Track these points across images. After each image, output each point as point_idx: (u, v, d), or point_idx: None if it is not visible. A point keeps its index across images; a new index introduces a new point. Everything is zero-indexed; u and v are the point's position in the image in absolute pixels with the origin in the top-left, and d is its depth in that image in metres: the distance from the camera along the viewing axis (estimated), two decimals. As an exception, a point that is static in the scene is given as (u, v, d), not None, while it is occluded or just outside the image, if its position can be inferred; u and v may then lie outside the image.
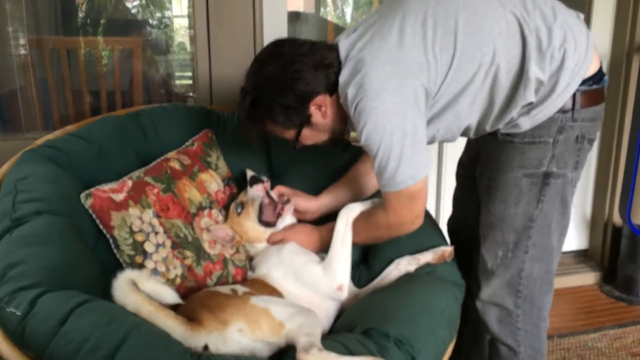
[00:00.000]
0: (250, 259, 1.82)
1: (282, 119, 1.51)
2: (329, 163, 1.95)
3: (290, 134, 1.57)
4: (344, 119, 1.57)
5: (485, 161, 1.68)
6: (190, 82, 2.71)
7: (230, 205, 1.83)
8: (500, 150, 1.60)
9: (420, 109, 1.42)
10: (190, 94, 2.64)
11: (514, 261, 1.65)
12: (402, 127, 1.39)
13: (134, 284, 1.31)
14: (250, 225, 1.73)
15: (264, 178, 1.77)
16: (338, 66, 1.49)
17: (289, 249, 1.70)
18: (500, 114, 1.51)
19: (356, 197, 1.77)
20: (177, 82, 2.94)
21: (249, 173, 1.83)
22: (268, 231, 1.72)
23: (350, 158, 1.95)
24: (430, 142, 1.58)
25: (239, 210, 1.73)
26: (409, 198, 1.47)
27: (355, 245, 1.65)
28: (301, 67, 1.47)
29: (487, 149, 1.66)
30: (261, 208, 1.71)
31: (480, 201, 1.71)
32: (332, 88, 1.50)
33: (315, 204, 1.76)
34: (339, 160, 1.98)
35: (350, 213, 1.63)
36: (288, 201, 1.72)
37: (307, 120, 1.53)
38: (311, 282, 1.60)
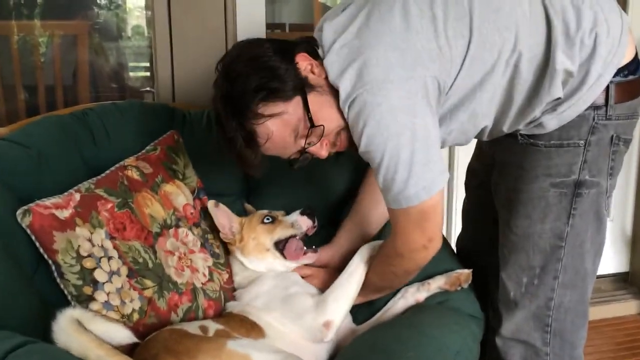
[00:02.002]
0: (233, 289, 1.88)
1: (274, 82, 1.44)
2: (316, 174, 2.00)
3: (296, 108, 1.46)
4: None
5: (503, 169, 1.69)
6: (147, 74, 2.70)
7: (200, 222, 1.89)
8: (521, 156, 1.61)
9: (431, 106, 1.41)
10: (148, 89, 2.64)
11: (541, 289, 1.66)
12: (412, 127, 1.37)
13: (80, 323, 1.32)
14: (266, 240, 1.83)
15: (314, 226, 1.87)
16: (319, 46, 1.50)
17: (290, 277, 1.78)
18: (521, 113, 1.52)
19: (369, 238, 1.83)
20: (132, 74, 2.94)
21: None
22: (277, 259, 1.83)
23: (339, 168, 2.01)
24: (440, 146, 1.56)
25: (267, 220, 1.85)
26: (420, 217, 1.45)
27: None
28: (266, 41, 1.50)
29: (505, 154, 1.67)
30: (288, 239, 1.83)
31: (498, 217, 1.72)
32: (315, 55, 1.49)
33: (329, 254, 1.87)
34: (328, 171, 2.02)
35: (366, 250, 1.69)
36: (316, 251, 1.84)
37: (304, 81, 1.46)
38: (296, 313, 1.64)
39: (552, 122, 1.53)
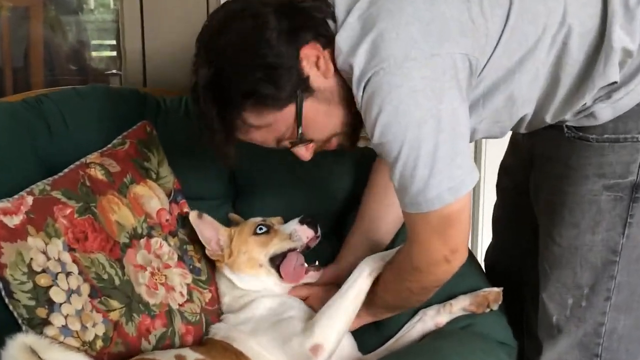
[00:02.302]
0: (217, 311, 1.85)
1: (268, 88, 1.43)
2: (315, 174, 1.99)
3: (287, 117, 1.48)
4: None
5: (545, 167, 1.69)
6: (113, 53, 2.70)
7: (178, 230, 1.89)
8: (567, 152, 1.61)
9: (461, 89, 1.39)
10: (114, 71, 2.63)
11: (590, 312, 1.66)
12: (436, 115, 1.35)
13: (33, 352, 1.32)
14: (259, 255, 1.80)
15: (316, 236, 1.83)
16: (332, 17, 1.47)
17: (289, 302, 1.76)
18: (568, 99, 1.51)
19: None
20: (95, 54, 2.94)
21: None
22: (271, 276, 1.80)
23: (342, 166, 2.03)
24: (470, 138, 1.55)
25: (260, 230, 1.81)
26: (443, 224, 1.43)
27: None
28: (266, 12, 1.44)
29: (547, 150, 1.67)
30: (286, 254, 1.80)
31: (539, 225, 1.72)
32: (326, 41, 1.47)
33: (333, 272, 1.87)
34: (329, 169, 2.02)
35: (370, 262, 1.67)
36: (319, 268, 1.82)
37: (303, 84, 1.46)
38: (283, 338, 1.65)
39: (605, 112, 1.53)
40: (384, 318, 1.76)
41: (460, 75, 1.39)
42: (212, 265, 1.92)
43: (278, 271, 1.79)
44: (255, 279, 1.81)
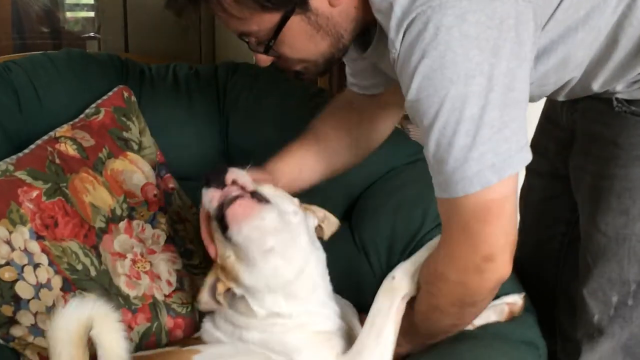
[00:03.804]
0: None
1: None
2: None
3: (265, 22, 1.39)
4: (354, 23, 1.43)
5: (588, 146, 1.63)
6: (90, 14, 2.70)
7: (167, 207, 1.84)
8: (616, 129, 1.54)
9: (522, 45, 1.27)
10: (92, 35, 2.63)
11: (638, 311, 1.60)
12: (489, 72, 1.23)
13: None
14: (229, 258, 1.56)
15: (233, 171, 1.56)
16: None
17: None
18: (623, 66, 1.46)
19: (330, 161, 1.74)
20: (69, 14, 2.91)
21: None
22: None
23: None
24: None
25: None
26: (478, 216, 1.29)
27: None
28: None
29: (592, 126, 1.61)
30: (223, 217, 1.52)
31: (580, 213, 1.67)
32: None
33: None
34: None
35: (397, 286, 1.53)
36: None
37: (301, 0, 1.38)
38: None
39: None
40: (426, 345, 1.62)
41: (521, 27, 1.27)
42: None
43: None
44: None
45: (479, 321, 1.61)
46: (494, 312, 1.65)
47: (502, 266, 1.33)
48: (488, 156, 1.24)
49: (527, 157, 1.30)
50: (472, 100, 1.23)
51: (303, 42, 1.43)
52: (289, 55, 1.46)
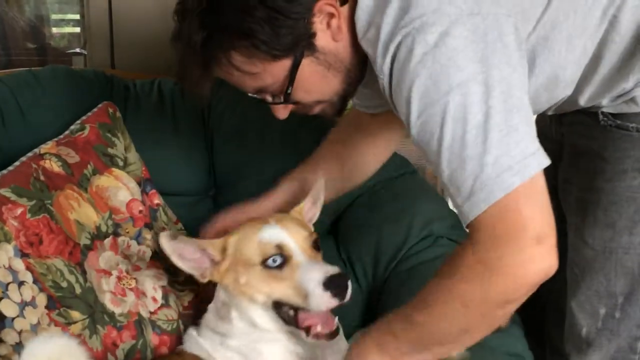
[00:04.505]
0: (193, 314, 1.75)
1: (266, 34, 1.33)
2: (298, 157, 1.91)
3: (278, 71, 1.41)
4: (358, 56, 1.43)
5: (576, 161, 1.64)
6: (77, 30, 2.68)
7: (153, 223, 1.81)
8: (602, 143, 1.55)
9: (510, 53, 1.26)
10: (78, 50, 2.60)
11: (625, 324, 1.60)
12: (484, 79, 1.21)
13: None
14: (259, 293, 1.53)
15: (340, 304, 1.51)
16: None
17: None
18: (608, 81, 1.47)
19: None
20: (55, 30, 2.89)
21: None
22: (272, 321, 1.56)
23: None
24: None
25: (274, 262, 1.51)
26: (513, 218, 1.19)
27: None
28: None
29: (579, 141, 1.63)
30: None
31: (567, 225, 1.67)
32: None
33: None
34: (311, 152, 1.95)
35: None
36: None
37: (307, 40, 1.38)
38: None
39: None
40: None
41: (506, 39, 1.27)
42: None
43: (295, 324, 1.54)
44: (250, 310, 1.59)
45: None
46: None
47: (551, 252, 1.22)
48: (504, 159, 1.19)
49: (543, 161, 1.23)
50: (473, 108, 1.21)
51: (317, 83, 1.45)
52: (306, 100, 1.47)
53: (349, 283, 1.49)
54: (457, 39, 1.23)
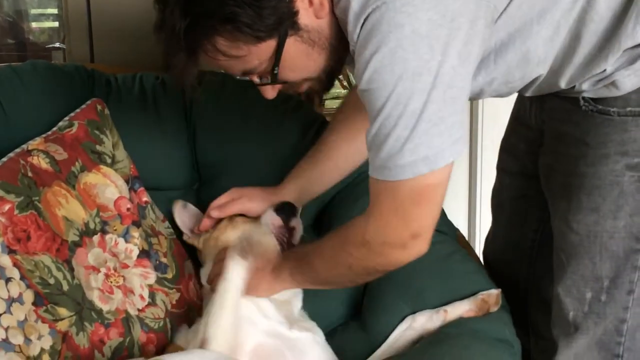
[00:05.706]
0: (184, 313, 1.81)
1: (249, 16, 1.34)
2: (295, 160, 1.94)
3: (263, 52, 1.43)
4: (342, 31, 1.46)
5: (558, 146, 1.65)
6: (55, 24, 2.67)
7: (141, 221, 1.85)
8: (584, 128, 1.56)
9: (470, 44, 1.33)
10: (57, 45, 2.59)
11: (611, 307, 1.62)
12: (435, 70, 1.28)
13: None
14: (225, 236, 1.77)
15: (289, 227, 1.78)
16: None
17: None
18: (588, 62, 1.48)
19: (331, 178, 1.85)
20: (34, 24, 2.88)
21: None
22: None
23: (307, 134, 2.04)
24: (475, 97, 1.53)
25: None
26: (411, 199, 1.36)
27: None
28: None
29: (560, 125, 1.64)
30: None
31: (551, 211, 1.69)
32: None
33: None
34: (295, 145, 2.01)
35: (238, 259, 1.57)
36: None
37: (290, 20, 1.40)
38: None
39: (629, 81, 1.48)
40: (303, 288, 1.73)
41: (472, 25, 1.33)
42: (181, 260, 1.92)
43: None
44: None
45: (454, 312, 1.70)
46: (471, 305, 1.70)
47: (425, 243, 1.42)
48: (422, 149, 1.30)
49: (460, 150, 1.35)
50: (416, 97, 1.28)
51: (303, 61, 1.48)
52: (293, 79, 1.51)
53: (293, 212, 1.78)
54: (424, 24, 1.27)
